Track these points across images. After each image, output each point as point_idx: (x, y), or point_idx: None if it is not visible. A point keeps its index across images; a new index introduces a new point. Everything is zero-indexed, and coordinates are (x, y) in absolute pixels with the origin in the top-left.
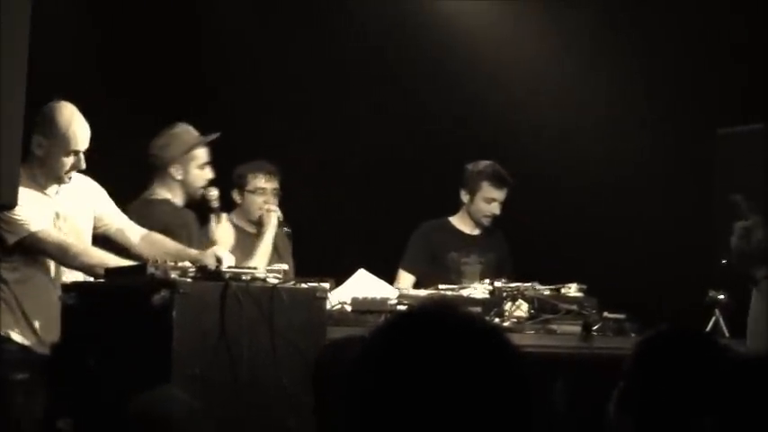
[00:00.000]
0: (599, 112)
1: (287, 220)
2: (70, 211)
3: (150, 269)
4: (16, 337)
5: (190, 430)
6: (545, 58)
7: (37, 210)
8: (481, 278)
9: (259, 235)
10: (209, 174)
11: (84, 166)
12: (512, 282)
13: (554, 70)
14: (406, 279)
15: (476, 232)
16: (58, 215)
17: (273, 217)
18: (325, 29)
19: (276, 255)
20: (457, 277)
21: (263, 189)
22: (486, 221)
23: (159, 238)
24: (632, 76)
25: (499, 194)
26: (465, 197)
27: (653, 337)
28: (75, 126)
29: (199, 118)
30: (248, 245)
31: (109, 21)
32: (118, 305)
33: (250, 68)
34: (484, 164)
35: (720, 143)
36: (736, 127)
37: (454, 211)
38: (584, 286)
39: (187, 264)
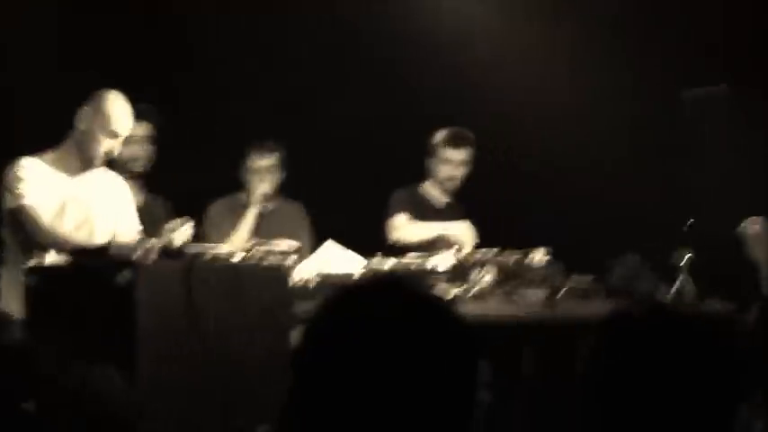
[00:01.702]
0: (562, 78)
1: (298, 195)
2: (85, 196)
3: (113, 249)
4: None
5: (122, 410)
6: (507, 28)
7: (43, 188)
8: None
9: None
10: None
11: (117, 152)
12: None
13: (516, 38)
14: (400, 218)
15: (443, 202)
16: (76, 198)
17: (256, 195)
18: (292, 10)
19: (287, 231)
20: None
21: (258, 168)
22: (449, 185)
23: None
24: (594, 40)
25: (457, 155)
26: (430, 165)
27: (617, 319)
28: (119, 110)
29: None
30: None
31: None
32: (82, 286)
33: (214, 47)
34: (443, 130)
35: (685, 105)
36: (700, 88)
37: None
38: (550, 251)
39: (151, 242)
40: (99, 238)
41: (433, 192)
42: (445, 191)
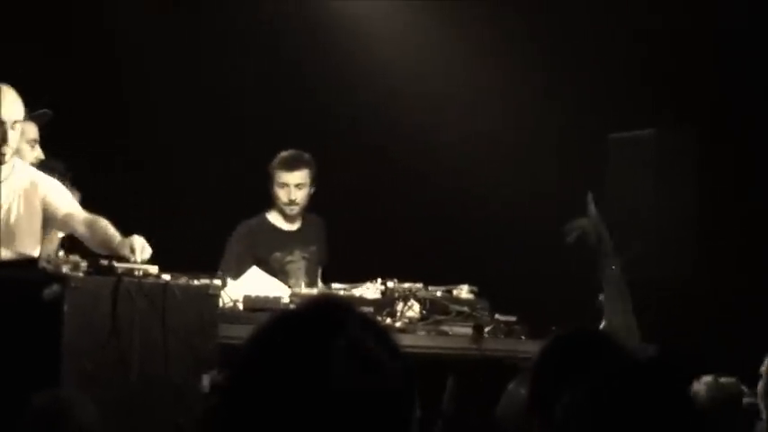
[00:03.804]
0: (493, 114)
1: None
2: (4, 203)
3: (42, 263)
4: None
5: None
6: (438, 57)
7: None
8: (306, 274)
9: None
10: (39, 154)
11: (13, 141)
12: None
13: (447, 69)
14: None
15: (294, 227)
16: None
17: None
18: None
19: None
20: (283, 277)
21: (285, 183)
22: (288, 210)
23: (102, 224)
24: (528, 79)
25: (291, 177)
26: (271, 190)
27: (559, 340)
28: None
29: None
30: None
31: None
32: (7, 299)
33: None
34: (280, 154)
35: (612, 147)
36: (628, 132)
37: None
38: (476, 288)
39: (77, 258)
40: (19, 246)
41: (280, 219)
42: (286, 216)
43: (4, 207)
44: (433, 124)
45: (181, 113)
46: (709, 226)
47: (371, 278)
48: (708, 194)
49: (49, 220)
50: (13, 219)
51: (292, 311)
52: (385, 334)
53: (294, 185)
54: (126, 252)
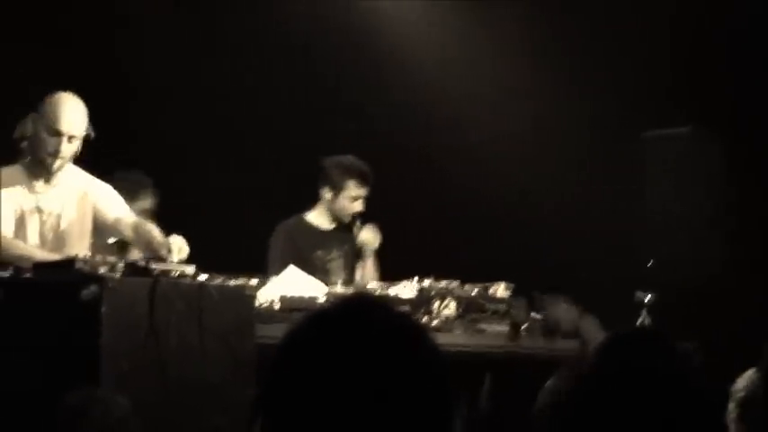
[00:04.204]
0: (529, 113)
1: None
2: (56, 208)
3: (79, 263)
4: None
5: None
6: (468, 57)
7: (8, 202)
8: (345, 271)
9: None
10: None
11: (67, 153)
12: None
13: (479, 70)
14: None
15: (332, 227)
16: (40, 210)
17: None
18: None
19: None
20: (324, 275)
21: (358, 196)
22: (347, 219)
23: (147, 228)
24: (561, 79)
25: (364, 192)
26: (327, 194)
27: (617, 339)
28: (63, 108)
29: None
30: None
31: None
32: (45, 300)
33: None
34: (347, 160)
35: (646, 145)
36: (663, 129)
37: (306, 208)
38: (512, 286)
39: (114, 259)
40: (69, 248)
41: (321, 220)
42: (335, 220)
43: (55, 213)
44: (467, 123)
45: (216, 115)
46: (741, 225)
47: (408, 277)
48: (740, 193)
49: (99, 226)
50: (63, 225)
51: (324, 311)
52: (420, 332)
53: (362, 199)
54: (164, 252)
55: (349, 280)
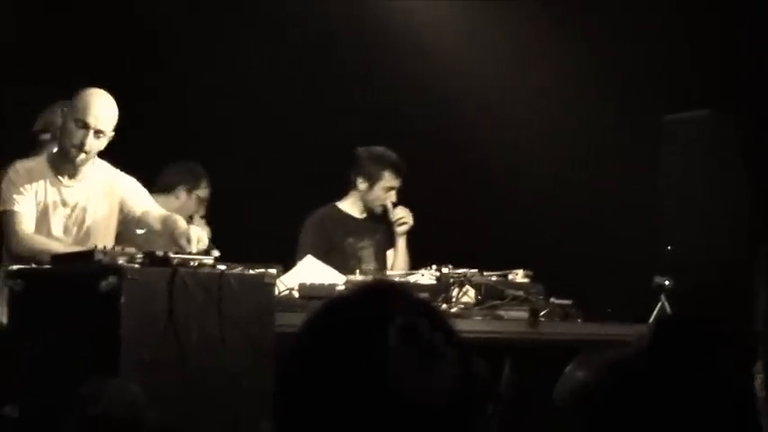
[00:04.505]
0: (551, 101)
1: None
2: (82, 202)
3: (98, 255)
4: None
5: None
6: (486, 46)
7: (33, 193)
8: (376, 259)
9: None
10: None
11: (93, 147)
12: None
13: (497, 58)
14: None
15: (364, 215)
16: (65, 203)
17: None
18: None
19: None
20: (356, 263)
21: (392, 187)
22: (379, 209)
23: (173, 219)
24: (579, 63)
25: (398, 183)
26: (362, 184)
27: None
28: (92, 100)
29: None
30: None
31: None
32: (65, 291)
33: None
34: (382, 151)
35: (666, 129)
36: (682, 113)
37: (339, 196)
38: (531, 272)
39: (133, 250)
40: (94, 242)
41: (353, 209)
42: (367, 210)
43: (80, 206)
44: (487, 117)
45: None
46: (762, 208)
47: (426, 265)
48: (762, 176)
49: (126, 220)
50: (89, 219)
51: (343, 297)
52: (441, 318)
53: (396, 189)
54: (183, 242)
55: (380, 269)
